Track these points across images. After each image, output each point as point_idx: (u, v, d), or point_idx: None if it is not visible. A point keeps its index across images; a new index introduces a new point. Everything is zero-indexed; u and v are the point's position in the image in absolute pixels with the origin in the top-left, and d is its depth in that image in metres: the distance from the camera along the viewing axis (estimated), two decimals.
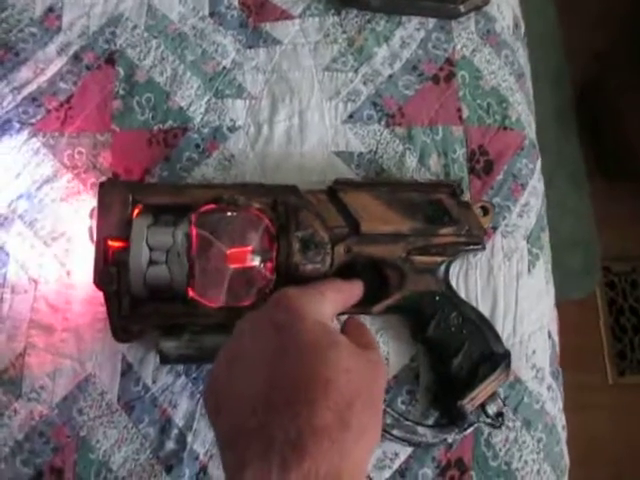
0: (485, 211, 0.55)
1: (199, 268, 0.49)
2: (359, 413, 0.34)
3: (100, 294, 0.50)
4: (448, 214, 0.53)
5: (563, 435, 0.58)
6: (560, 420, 0.58)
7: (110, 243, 0.49)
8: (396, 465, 0.53)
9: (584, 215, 1.15)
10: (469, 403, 0.51)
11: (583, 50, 1.35)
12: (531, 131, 0.64)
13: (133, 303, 0.49)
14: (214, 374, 0.39)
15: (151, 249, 0.49)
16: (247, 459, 0.32)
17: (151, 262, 0.49)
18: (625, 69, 1.29)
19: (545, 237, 0.62)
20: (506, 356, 0.53)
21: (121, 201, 0.50)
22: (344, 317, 0.55)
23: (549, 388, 0.57)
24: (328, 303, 0.42)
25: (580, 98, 1.27)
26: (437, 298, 0.53)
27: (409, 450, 0.54)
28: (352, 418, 0.33)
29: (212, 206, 0.51)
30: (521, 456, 0.55)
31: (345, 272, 0.54)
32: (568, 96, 1.22)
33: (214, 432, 0.36)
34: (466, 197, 0.58)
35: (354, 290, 0.48)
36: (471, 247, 0.54)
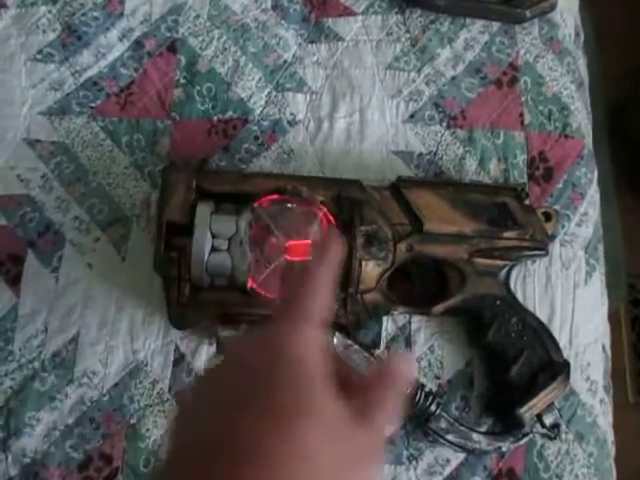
0: (547, 217, 0.55)
1: (260, 258, 0.48)
2: None
3: (155, 281, 0.49)
4: (512, 218, 0.53)
5: (612, 450, 0.57)
6: (610, 435, 0.57)
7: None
8: (447, 472, 0.52)
9: (611, 231, 1.14)
10: (527, 412, 0.50)
11: (617, 66, 1.35)
12: (589, 140, 0.63)
13: (192, 290, 0.49)
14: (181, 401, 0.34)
15: (214, 236, 0.48)
16: None
17: (213, 249, 0.48)
18: None
19: (601, 248, 0.61)
20: (566, 366, 0.52)
21: (185, 186, 0.49)
22: (400, 318, 0.54)
23: (601, 402, 0.56)
24: (314, 319, 0.29)
25: (612, 113, 1.26)
26: (498, 302, 0.52)
27: (461, 457, 0.52)
28: None
29: (275, 196, 0.50)
30: (572, 469, 0.53)
31: (403, 271, 0.53)
32: (600, 111, 1.22)
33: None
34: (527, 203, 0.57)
35: (330, 253, 0.31)
36: (534, 252, 0.53)
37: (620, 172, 1.26)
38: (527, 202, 0.56)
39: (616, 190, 1.16)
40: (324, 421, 0.26)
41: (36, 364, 0.52)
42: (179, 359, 0.52)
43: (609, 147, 1.19)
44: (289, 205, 0.51)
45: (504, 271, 0.53)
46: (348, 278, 0.49)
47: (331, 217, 0.50)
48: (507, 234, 0.52)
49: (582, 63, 0.66)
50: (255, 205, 0.50)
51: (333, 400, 0.27)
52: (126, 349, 0.52)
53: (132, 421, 0.51)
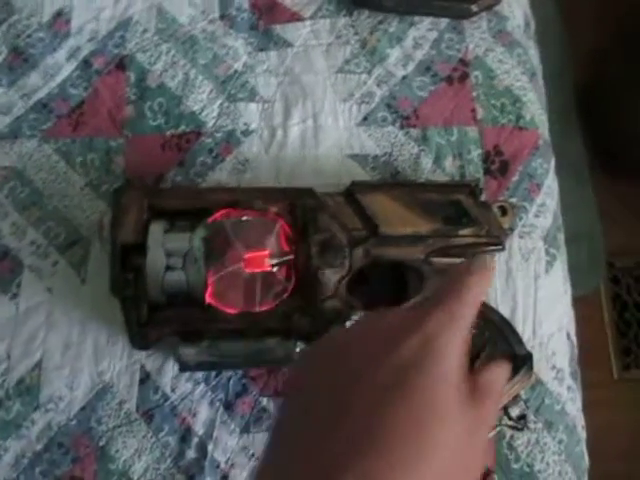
0: (504, 211, 0.55)
1: (216, 273, 0.48)
2: None
3: (116, 302, 0.49)
4: (467, 215, 0.53)
5: (583, 435, 0.58)
6: (580, 420, 0.57)
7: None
8: None
9: (587, 211, 1.15)
10: None
11: (584, 47, 1.35)
12: (545, 130, 0.64)
13: (150, 309, 0.49)
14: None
15: (168, 255, 0.48)
16: None
17: (168, 268, 0.48)
18: (625, 66, 1.29)
19: (561, 237, 0.61)
20: (528, 358, 0.52)
21: (137, 206, 0.49)
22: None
23: (569, 389, 0.57)
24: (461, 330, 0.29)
25: (582, 95, 1.27)
26: None
27: None
28: None
29: (229, 210, 0.50)
30: (543, 458, 0.54)
31: (362, 275, 0.53)
32: (569, 93, 1.23)
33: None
34: (483, 198, 0.57)
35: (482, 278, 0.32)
36: (491, 248, 0.54)
37: (594, 153, 1.28)
38: (483, 198, 0.57)
39: (590, 171, 1.17)
40: (455, 429, 0.27)
41: (0, 393, 0.52)
42: (145, 378, 0.52)
43: (580, 129, 1.20)
44: (245, 218, 0.51)
45: None
46: (306, 287, 0.50)
47: (286, 227, 0.51)
48: (463, 232, 0.53)
49: (534, 53, 0.67)
50: (209, 220, 0.50)
51: (463, 404, 0.28)
52: (91, 371, 0.52)
53: (101, 443, 0.51)
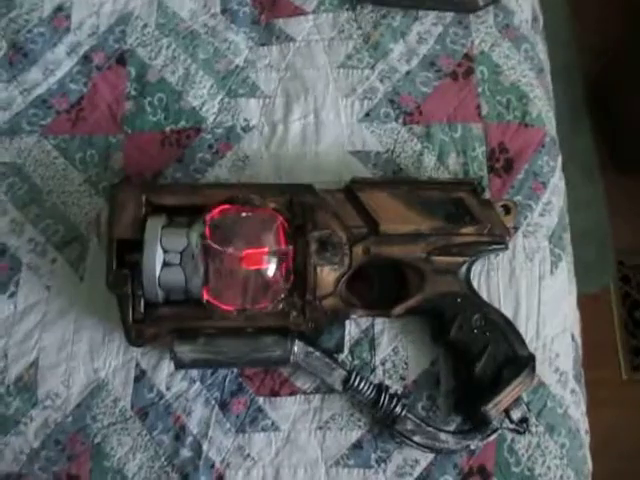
0: (507, 210, 0.54)
1: (214, 270, 0.48)
2: None
3: (114, 299, 0.49)
4: (469, 213, 0.52)
5: (586, 439, 0.56)
6: (583, 424, 0.56)
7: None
8: (417, 472, 0.52)
9: (597, 209, 1.14)
10: (493, 408, 0.49)
11: (594, 42, 1.33)
12: (552, 128, 0.62)
13: (147, 306, 0.48)
14: None
15: (165, 251, 0.48)
16: None
17: (165, 264, 0.48)
18: (637, 62, 1.27)
19: (567, 237, 0.60)
20: (531, 359, 0.51)
21: (134, 202, 0.49)
22: (364, 321, 0.54)
23: (572, 392, 0.56)
24: None
25: (592, 91, 1.25)
26: (459, 300, 0.51)
27: (430, 457, 0.52)
28: None
29: (227, 206, 0.50)
30: (544, 462, 0.53)
31: (363, 273, 0.53)
32: (580, 89, 1.21)
33: None
34: (486, 196, 0.56)
35: None
36: (493, 247, 0.53)
37: (604, 149, 1.26)
38: (486, 196, 0.56)
39: (600, 167, 1.15)
40: None
41: (1, 389, 0.52)
42: (140, 375, 0.52)
43: (591, 125, 1.18)
44: (243, 214, 0.50)
45: (464, 268, 0.52)
46: (305, 285, 0.49)
47: (285, 223, 0.50)
48: (464, 230, 0.52)
49: (541, 49, 0.65)
50: (207, 217, 0.49)
51: None
52: (87, 369, 0.52)
53: (96, 440, 0.51)
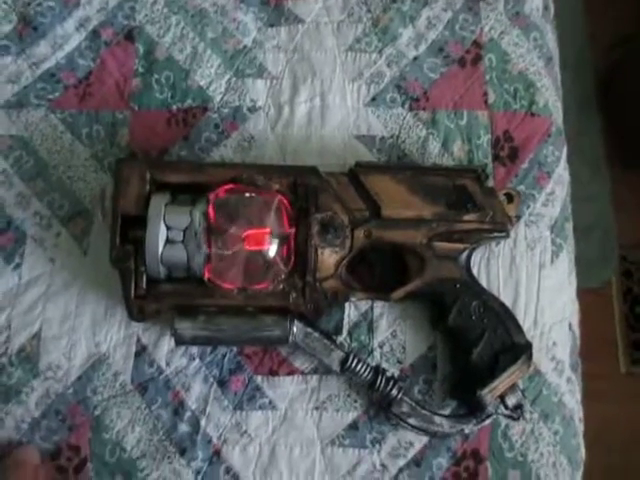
0: (510, 198, 0.54)
1: (216, 249, 0.48)
2: None
3: (116, 274, 0.49)
4: (472, 200, 0.52)
5: (580, 428, 0.57)
6: (578, 413, 0.57)
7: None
8: (411, 454, 0.53)
9: (602, 203, 1.14)
10: (489, 394, 0.50)
11: (606, 35, 1.32)
12: (558, 117, 0.62)
13: (149, 282, 0.49)
14: None
15: (168, 228, 0.48)
16: None
17: (168, 241, 0.48)
18: None
19: (569, 227, 0.60)
20: (528, 347, 0.52)
21: (139, 178, 0.49)
22: (363, 304, 0.54)
23: (568, 380, 0.56)
24: None
25: (601, 84, 1.24)
26: (458, 286, 0.52)
27: (424, 440, 0.53)
28: None
29: (231, 186, 0.50)
30: (537, 448, 0.54)
31: (364, 257, 0.53)
32: (589, 81, 1.20)
33: None
34: (490, 184, 0.56)
35: None
36: (495, 235, 0.53)
37: (612, 143, 1.25)
38: (489, 183, 0.56)
39: (607, 161, 1.15)
40: None
41: (3, 359, 0.53)
42: (140, 351, 0.53)
43: (600, 119, 1.18)
44: (247, 194, 0.50)
45: (464, 254, 0.52)
46: (305, 266, 0.49)
47: (288, 205, 0.50)
48: (466, 217, 0.52)
49: (551, 38, 0.65)
50: (211, 195, 0.49)
51: None
52: (88, 342, 0.53)
53: (96, 413, 0.52)
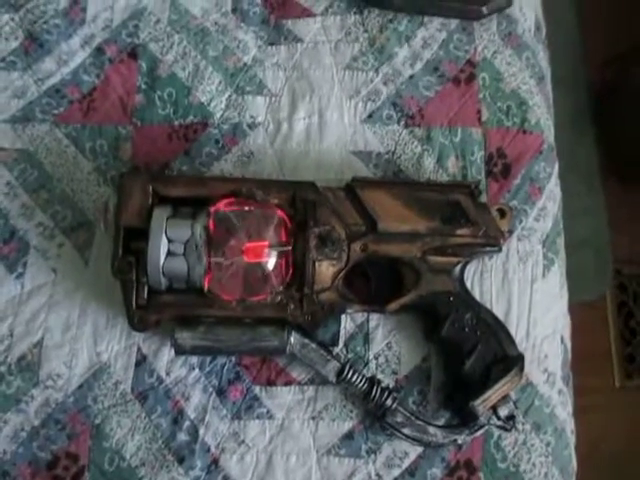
0: (502, 214, 0.55)
1: (216, 261, 0.49)
2: None
3: (118, 285, 0.50)
4: (465, 215, 0.53)
5: (572, 439, 0.58)
6: (569, 424, 0.58)
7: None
8: (405, 464, 0.54)
9: (597, 217, 1.15)
10: (481, 404, 0.51)
11: (601, 52, 1.34)
12: (550, 134, 0.64)
13: (150, 293, 0.50)
14: None
15: (170, 241, 0.49)
16: None
17: (169, 253, 0.49)
18: None
19: (561, 242, 0.61)
20: (520, 359, 0.53)
21: (141, 191, 0.50)
22: (359, 316, 0.55)
23: (560, 392, 0.57)
24: None
25: (596, 101, 1.26)
26: (451, 298, 0.53)
27: (419, 450, 0.54)
28: None
29: (230, 200, 0.51)
30: (530, 459, 0.55)
31: (361, 270, 0.54)
32: (583, 98, 1.22)
33: None
34: (483, 200, 0.57)
35: None
36: (487, 249, 0.54)
37: (606, 158, 1.27)
38: (482, 199, 0.57)
39: (602, 176, 1.16)
40: None
41: (2, 368, 0.53)
42: (141, 360, 0.54)
43: (594, 134, 1.19)
44: (246, 208, 0.52)
45: (458, 268, 0.54)
46: (303, 279, 0.51)
47: (287, 218, 0.51)
48: (460, 231, 0.53)
49: (543, 57, 0.67)
50: (211, 209, 0.50)
51: None
52: (90, 351, 0.54)
53: (96, 421, 0.53)
